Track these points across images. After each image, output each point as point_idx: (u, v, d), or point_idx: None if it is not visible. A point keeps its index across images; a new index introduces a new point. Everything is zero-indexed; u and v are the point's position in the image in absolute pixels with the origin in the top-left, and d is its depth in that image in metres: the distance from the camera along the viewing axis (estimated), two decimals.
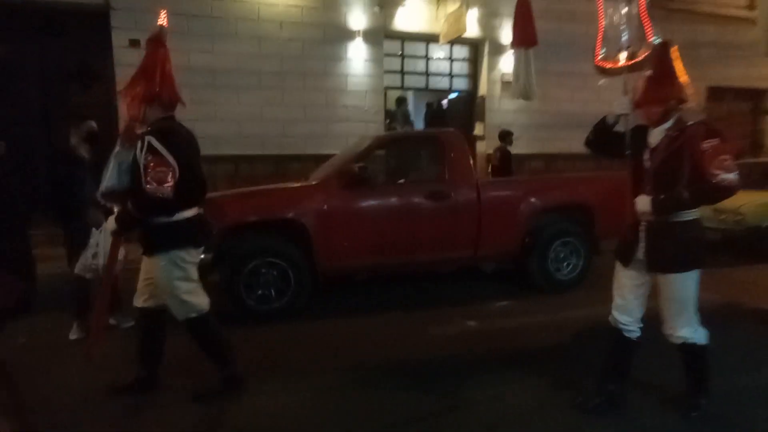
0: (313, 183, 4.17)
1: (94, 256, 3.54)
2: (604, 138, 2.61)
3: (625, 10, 5.58)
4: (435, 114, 9.14)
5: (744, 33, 9.69)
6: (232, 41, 7.00)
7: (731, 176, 2.24)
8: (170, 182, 2.39)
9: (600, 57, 5.57)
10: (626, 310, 2.48)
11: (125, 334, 3.46)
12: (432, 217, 4.25)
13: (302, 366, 3.09)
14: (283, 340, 3.51)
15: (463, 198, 4.33)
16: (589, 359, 2.94)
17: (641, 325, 2.50)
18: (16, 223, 2.29)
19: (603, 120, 2.61)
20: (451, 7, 7.68)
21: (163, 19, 2.67)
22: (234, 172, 7.10)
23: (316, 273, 3.99)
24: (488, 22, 8.20)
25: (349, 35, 7.49)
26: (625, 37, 5.31)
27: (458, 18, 7.23)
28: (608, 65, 5.25)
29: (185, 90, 2.75)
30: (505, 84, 8.30)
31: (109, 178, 2.55)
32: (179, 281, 2.55)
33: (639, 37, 5.35)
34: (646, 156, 2.43)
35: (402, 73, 8.23)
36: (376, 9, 7.54)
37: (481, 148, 8.38)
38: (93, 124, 3.87)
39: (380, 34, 7.67)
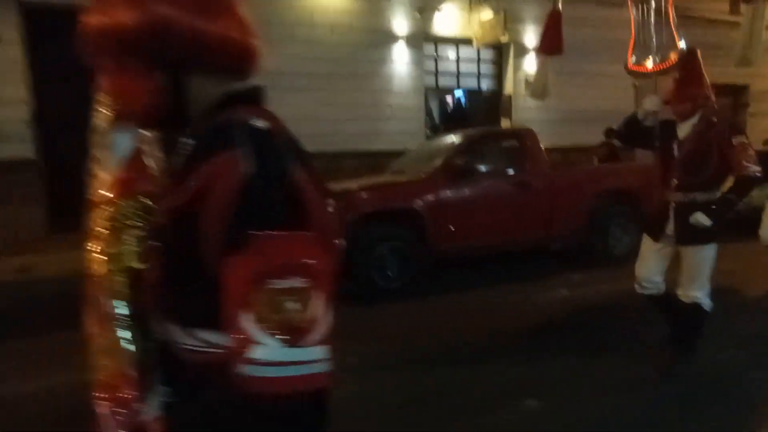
0: (423, 176, 4.79)
1: None
2: (634, 131, 2.93)
3: (653, 21, 6.61)
4: (455, 111, 9.85)
5: (726, 35, 10.83)
6: (288, 45, 7.44)
7: (758, 167, 2.63)
8: None
9: (632, 62, 6.63)
10: (648, 274, 2.86)
11: None
12: (517, 203, 4.95)
13: (416, 334, 3.61)
14: (402, 313, 4.10)
15: (540, 186, 5.05)
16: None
17: (662, 286, 2.88)
18: None
19: (634, 115, 2.93)
20: (483, 14, 8.37)
21: None
22: None
23: (429, 254, 4.63)
24: (513, 27, 8.92)
25: (393, 39, 8.07)
26: (654, 44, 6.34)
27: (495, 25, 7.93)
28: (642, 69, 6.29)
29: None
30: (529, 84, 9.08)
31: None
32: None
33: (668, 44, 6.38)
34: (675, 147, 2.76)
35: (436, 74, 8.88)
36: (417, 15, 8.14)
37: None
38: None
39: (420, 38, 8.28)
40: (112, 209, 0.82)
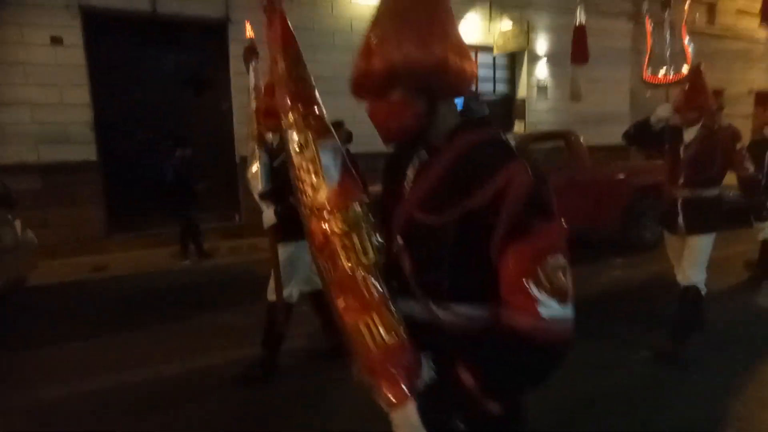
0: None
1: None
2: (645, 134, 3.26)
3: (668, 36, 7.62)
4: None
5: (706, 44, 11.99)
6: (330, 51, 7.83)
7: (753, 167, 3.29)
8: None
9: (648, 73, 7.67)
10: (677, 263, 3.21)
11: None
12: (565, 198, 5.62)
13: None
14: None
15: (584, 180, 5.74)
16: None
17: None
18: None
19: (647, 120, 3.26)
20: (503, 24, 9.04)
21: (250, 31, 2.98)
22: None
23: None
24: (526, 36, 9.65)
25: None
26: (668, 58, 7.38)
27: (518, 35, 8.62)
28: (655, 80, 7.33)
29: None
30: (541, 89, 9.85)
31: (264, 182, 2.86)
32: None
33: (679, 58, 7.42)
34: (682, 149, 3.10)
35: None
36: None
37: None
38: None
39: None
40: (341, 214, 0.97)
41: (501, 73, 10.04)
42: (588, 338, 3.06)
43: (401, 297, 0.97)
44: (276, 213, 2.81)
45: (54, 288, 5.22)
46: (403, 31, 0.92)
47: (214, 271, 5.86)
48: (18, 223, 4.55)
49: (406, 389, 0.91)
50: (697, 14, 11.58)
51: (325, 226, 0.97)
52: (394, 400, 0.91)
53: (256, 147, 2.89)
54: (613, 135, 5.45)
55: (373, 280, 0.94)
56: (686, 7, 7.80)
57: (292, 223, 2.64)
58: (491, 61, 9.83)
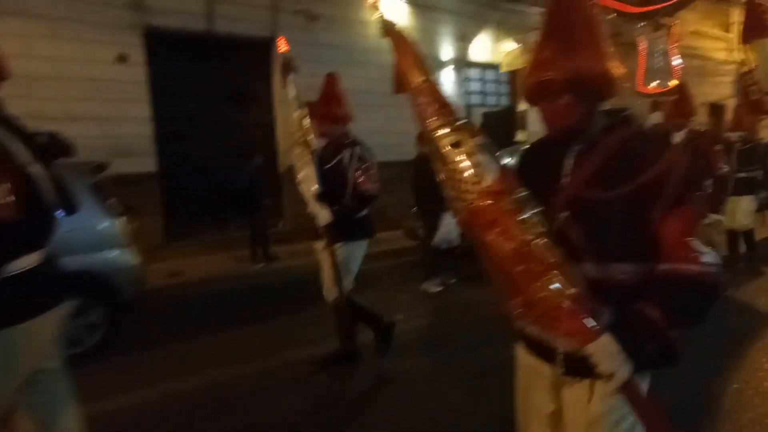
0: None
1: (449, 232, 5.16)
2: None
3: (659, 54, 9.07)
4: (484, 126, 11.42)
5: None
6: (363, 68, 8.46)
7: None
8: (378, 182, 3.01)
9: (640, 85, 9.15)
10: None
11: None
12: None
13: None
14: None
15: None
16: None
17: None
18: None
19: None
20: (508, 44, 10.02)
21: (283, 46, 3.23)
22: None
23: None
24: (524, 53, 10.70)
25: (442, 63, 9.41)
26: (657, 72, 8.83)
27: (522, 54, 9.58)
28: (648, 91, 8.81)
29: None
30: None
31: (319, 183, 2.99)
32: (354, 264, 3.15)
33: (668, 73, 8.91)
34: None
35: (468, 93, 10.35)
36: (459, 42, 9.57)
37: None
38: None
39: (462, 63, 9.71)
40: (510, 196, 1.15)
41: (504, 88, 11.01)
42: None
43: (569, 261, 1.14)
44: (332, 212, 2.92)
45: (146, 294, 5.49)
46: (573, 49, 1.15)
47: (285, 273, 6.30)
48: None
49: (598, 326, 1.08)
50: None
51: (496, 207, 1.14)
52: (590, 335, 1.07)
53: (304, 152, 3.00)
54: None
55: (550, 245, 1.12)
56: (674, 30, 9.07)
57: (347, 223, 2.95)
58: (495, 77, 10.78)
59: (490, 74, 10.62)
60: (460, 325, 4.29)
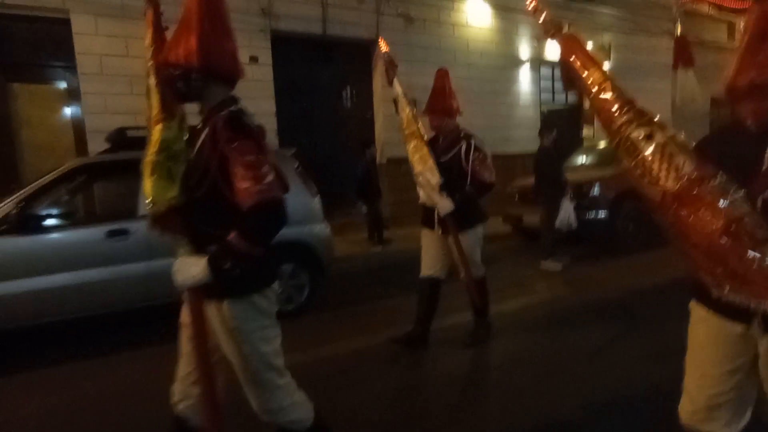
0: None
1: (568, 216, 5.73)
2: None
3: None
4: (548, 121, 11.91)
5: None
6: (451, 67, 8.95)
7: None
8: (494, 171, 3.15)
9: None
10: None
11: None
12: None
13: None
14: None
15: None
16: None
17: None
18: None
19: None
20: None
21: (383, 46, 3.35)
22: None
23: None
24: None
25: (520, 63, 9.96)
26: None
27: (597, 53, 10.08)
28: None
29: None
30: None
31: (438, 174, 3.09)
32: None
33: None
34: None
35: (540, 91, 10.88)
36: (536, 42, 10.10)
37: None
38: None
39: (537, 62, 10.24)
40: (713, 181, 1.23)
41: None
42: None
43: None
44: (454, 201, 3.07)
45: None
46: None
47: (401, 255, 6.92)
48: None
49: None
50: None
51: (702, 191, 1.22)
52: None
53: (419, 145, 3.12)
54: None
55: (760, 222, 1.18)
56: None
57: (467, 210, 3.10)
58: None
59: (557, 72, 11.13)
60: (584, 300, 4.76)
